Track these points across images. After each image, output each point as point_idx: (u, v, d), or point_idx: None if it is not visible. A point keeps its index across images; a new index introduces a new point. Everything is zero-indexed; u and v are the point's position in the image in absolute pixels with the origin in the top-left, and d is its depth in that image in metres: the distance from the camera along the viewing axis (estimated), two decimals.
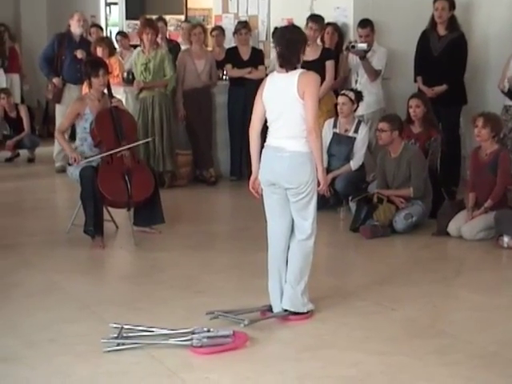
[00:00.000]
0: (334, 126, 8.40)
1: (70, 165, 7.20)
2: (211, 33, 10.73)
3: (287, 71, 5.07)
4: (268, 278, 5.30)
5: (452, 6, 8.79)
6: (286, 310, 5.24)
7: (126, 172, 7.07)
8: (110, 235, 7.34)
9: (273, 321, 5.20)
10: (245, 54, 9.85)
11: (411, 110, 8.16)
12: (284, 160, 5.05)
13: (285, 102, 5.05)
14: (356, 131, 8.33)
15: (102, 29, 12.46)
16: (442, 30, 8.85)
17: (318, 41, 9.20)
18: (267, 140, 5.19)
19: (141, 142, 8.04)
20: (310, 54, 8.92)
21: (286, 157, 5.05)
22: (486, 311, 5.48)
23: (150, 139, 8.75)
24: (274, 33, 5.38)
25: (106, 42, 10.89)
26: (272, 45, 5.26)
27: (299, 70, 5.07)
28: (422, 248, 7.14)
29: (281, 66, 5.10)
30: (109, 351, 4.67)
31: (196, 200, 9.24)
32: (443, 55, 8.79)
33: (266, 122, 5.23)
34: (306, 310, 5.27)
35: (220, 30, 10.80)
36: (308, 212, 5.18)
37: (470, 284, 6.11)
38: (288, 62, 5.06)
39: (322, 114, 8.86)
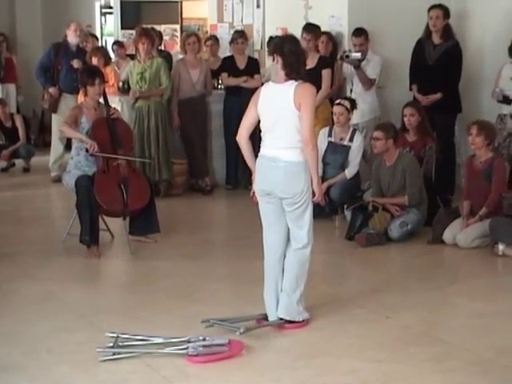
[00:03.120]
0: (329, 134, 8.42)
1: (87, 151, 7.06)
2: (205, 42, 10.75)
3: (286, 81, 5.08)
4: (264, 287, 5.31)
5: (447, 15, 8.81)
6: (281, 319, 5.25)
7: (122, 181, 7.08)
8: (106, 244, 7.35)
9: (268, 329, 5.21)
10: (241, 63, 9.87)
11: (406, 119, 8.18)
12: (279, 170, 5.07)
13: (280, 112, 5.06)
14: (351, 140, 8.35)
15: (97, 38, 12.48)
16: (436, 39, 8.88)
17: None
18: (261, 150, 5.20)
19: (142, 159, 8.04)
20: (307, 62, 8.93)
21: (281, 167, 5.07)
22: (482, 318, 5.49)
23: (148, 161, 8.82)
24: (273, 43, 5.30)
25: (102, 51, 10.89)
26: (267, 54, 5.22)
27: (296, 82, 5.08)
28: (418, 256, 7.15)
29: (288, 75, 5.08)
30: (105, 360, 4.67)
31: (192, 209, 9.24)
32: (438, 64, 8.81)
33: (259, 130, 5.26)
34: (301, 319, 5.28)
35: (214, 39, 10.83)
36: (304, 221, 5.20)
37: (465, 291, 6.12)
38: (297, 72, 5.08)
39: (318, 123, 8.86)
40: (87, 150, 7.05)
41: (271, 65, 9.42)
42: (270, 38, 5.25)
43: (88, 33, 12.68)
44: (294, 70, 5.08)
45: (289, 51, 5.08)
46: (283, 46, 5.13)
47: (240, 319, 5.22)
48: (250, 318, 5.29)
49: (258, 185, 5.21)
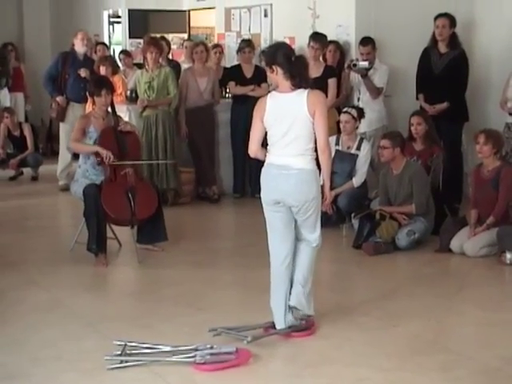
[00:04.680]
0: (337, 143, 8.42)
1: (99, 164, 7.08)
2: (213, 50, 10.76)
3: (294, 90, 5.08)
4: (270, 296, 5.32)
5: (453, 24, 8.82)
6: (289, 327, 5.25)
7: (130, 190, 7.09)
8: (114, 253, 7.36)
9: (276, 337, 5.21)
10: (248, 72, 9.90)
11: (413, 128, 8.19)
12: (291, 177, 5.08)
13: (294, 120, 5.07)
14: (358, 148, 8.36)
15: (107, 47, 12.52)
16: (443, 48, 8.89)
17: (320, 58, 9.25)
18: (269, 158, 5.19)
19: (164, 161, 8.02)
20: (313, 71, 8.93)
21: (293, 174, 5.08)
22: (490, 327, 5.49)
23: (171, 161, 8.86)
24: (268, 54, 5.21)
25: (110, 60, 10.92)
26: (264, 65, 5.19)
27: (306, 90, 5.09)
28: (425, 264, 7.14)
29: (296, 85, 5.07)
30: (112, 368, 4.68)
31: (199, 217, 9.25)
32: (444, 73, 8.82)
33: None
34: (310, 313, 5.31)
35: (219, 47, 10.81)
36: (317, 226, 5.29)
37: (473, 300, 6.12)
38: (306, 81, 5.11)
39: None
40: (99, 163, 7.06)
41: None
42: (262, 51, 5.23)
43: (97, 41, 12.74)
44: (304, 78, 5.10)
45: (288, 59, 5.09)
46: (279, 55, 5.11)
47: (247, 328, 5.22)
48: (257, 326, 5.29)
49: (267, 194, 5.21)
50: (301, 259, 5.29)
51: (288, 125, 5.08)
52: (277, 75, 5.12)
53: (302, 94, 5.07)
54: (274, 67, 5.11)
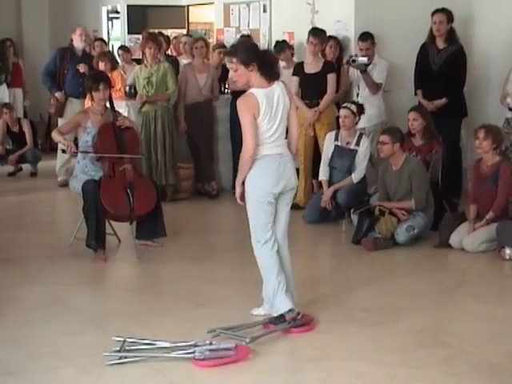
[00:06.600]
0: (336, 138, 8.41)
1: (63, 152, 7.36)
2: (214, 50, 10.72)
3: (272, 83, 5.25)
4: (279, 287, 5.31)
5: (450, 19, 8.79)
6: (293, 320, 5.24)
7: (128, 186, 7.08)
8: (113, 249, 7.35)
9: (275, 333, 5.20)
10: None
11: (409, 123, 8.18)
12: (287, 163, 5.35)
13: (283, 111, 5.29)
14: (358, 144, 8.34)
15: (105, 43, 12.49)
16: (440, 43, 8.87)
17: (319, 54, 9.23)
18: (264, 151, 5.24)
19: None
20: (312, 67, 8.97)
21: (288, 160, 5.38)
22: (490, 322, 5.49)
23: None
24: (246, 54, 5.26)
25: (108, 56, 10.90)
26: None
27: (278, 81, 5.31)
28: (424, 260, 7.14)
29: (277, 79, 5.28)
30: (111, 364, 4.67)
31: (198, 213, 9.24)
32: (442, 68, 8.80)
33: None
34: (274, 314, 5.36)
35: (225, 48, 10.75)
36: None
37: (472, 295, 6.11)
38: (279, 73, 5.37)
39: (322, 127, 8.92)
40: (64, 151, 7.26)
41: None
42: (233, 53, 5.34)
43: (96, 37, 12.72)
44: (278, 71, 5.35)
45: (270, 54, 5.42)
46: (254, 52, 5.29)
47: (247, 326, 5.20)
48: (256, 323, 5.28)
49: (269, 189, 5.26)
50: (288, 263, 5.45)
51: (280, 117, 5.28)
52: (251, 72, 5.21)
53: (279, 86, 5.30)
54: (252, 66, 5.20)
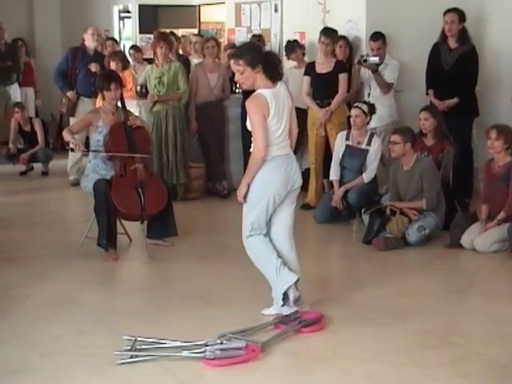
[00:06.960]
0: (347, 138, 8.41)
1: (72, 150, 7.44)
2: (225, 50, 10.73)
3: (275, 84, 5.31)
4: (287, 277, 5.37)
5: (462, 19, 8.78)
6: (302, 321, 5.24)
7: (140, 185, 7.09)
8: (124, 248, 7.36)
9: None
10: None
11: (421, 123, 8.16)
12: (294, 162, 5.44)
13: (288, 112, 5.35)
14: (369, 144, 8.33)
15: (117, 42, 12.52)
16: (452, 43, 8.85)
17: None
18: (273, 152, 5.28)
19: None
20: (324, 67, 8.97)
21: (294, 159, 5.46)
22: (500, 323, 5.47)
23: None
24: (252, 56, 5.29)
25: (120, 55, 10.94)
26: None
27: (280, 82, 5.37)
28: (435, 260, 7.13)
29: (280, 79, 5.36)
30: (122, 363, 4.68)
31: (209, 212, 9.25)
32: (454, 68, 8.78)
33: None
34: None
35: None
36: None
37: (483, 295, 6.10)
38: (282, 74, 5.46)
39: (333, 127, 8.92)
40: (72, 150, 7.31)
41: (289, 68, 9.45)
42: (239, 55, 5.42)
43: (107, 37, 12.74)
44: (281, 72, 5.43)
45: (267, 60, 5.31)
46: (260, 55, 5.34)
47: (257, 328, 5.18)
48: (267, 324, 5.26)
49: (278, 189, 5.33)
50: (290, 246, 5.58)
51: (286, 117, 5.34)
52: (257, 73, 5.24)
53: (283, 86, 5.37)
54: (258, 68, 5.24)
